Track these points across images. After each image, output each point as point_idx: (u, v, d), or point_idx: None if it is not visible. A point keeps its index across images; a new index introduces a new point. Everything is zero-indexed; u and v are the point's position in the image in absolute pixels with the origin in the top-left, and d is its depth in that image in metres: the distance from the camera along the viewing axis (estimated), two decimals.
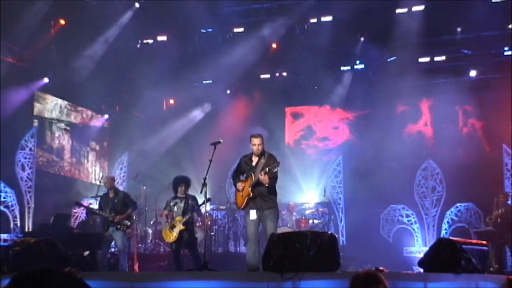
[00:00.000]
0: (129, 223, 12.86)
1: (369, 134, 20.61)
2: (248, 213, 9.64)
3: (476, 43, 18.71)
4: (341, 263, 7.58)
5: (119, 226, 12.45)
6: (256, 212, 9.55)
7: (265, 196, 9.56)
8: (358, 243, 17.58)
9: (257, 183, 9.50)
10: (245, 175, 9.78)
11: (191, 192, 12.44)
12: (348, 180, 19.07)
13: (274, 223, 9.51)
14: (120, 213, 12.55)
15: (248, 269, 9.33)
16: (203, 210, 11.96)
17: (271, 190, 9.62)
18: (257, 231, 9.60)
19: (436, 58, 19.47)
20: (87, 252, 12.56)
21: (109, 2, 18.30)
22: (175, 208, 12.02)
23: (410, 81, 19.25)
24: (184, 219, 11.79)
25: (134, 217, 14.31)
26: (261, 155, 9.75)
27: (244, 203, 9.64)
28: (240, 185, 9.68)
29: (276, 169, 9.43)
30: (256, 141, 9.75)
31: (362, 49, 19.51)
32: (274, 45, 19.94)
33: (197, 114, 21.69)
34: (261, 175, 9.37)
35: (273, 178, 9.51)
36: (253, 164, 9.74)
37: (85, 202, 17.64)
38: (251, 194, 9.52)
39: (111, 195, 12.85)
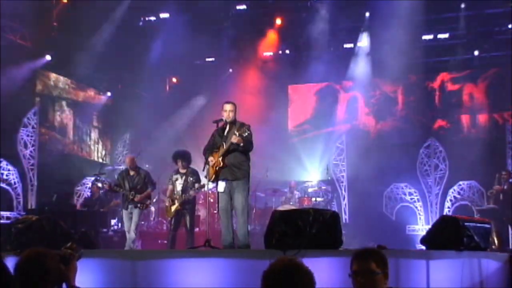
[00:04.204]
0: (148, 202, 12.90)
1: (373, 111, 20.64)
2: (217, 185, 9.38)
3: (479, 20, 18.64)
4: (344, 241, 7.57)
5: (139, 205, 12.41)
6: (226, 183, 9.29)
7: (235, 166, 9.26)
8: (361, 221, 17.60)
9: (228, 152, 9.25)
10: (216, 147, 9.49)
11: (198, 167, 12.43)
12: (351, 158, 19.02)
13: (242, 195, 9.22)
14: (140, 191, 12.47)
15: (223, 245, 9.19)
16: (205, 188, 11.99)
17: (242, 161, 9.33)
18: (228, 205, 9.34)
19: (440, 36, 19.41)
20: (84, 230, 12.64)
21: None
22: (177, 185, 12.06)
23: (413, 58, 19.22)
24: (182, 198, 11.83)
25: None
26: (232, 124, 9.48)
27: (214, 175, 9.34)
28: (211, 159, 9.34)
29: (246, 133, 9.09)
30: (228, 107, 9.48)
31: (365, 26, 19.44)
32: (277, 22, 19.90)
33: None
34: (234, 135, 9.07)
35: (247, 141, 9.20)
36: (225, 133, 9.48)
37: (88, 180, 17.73)
38: (222, 164, 9.23)
39: (131, 173, 12.71)
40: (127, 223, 12.48)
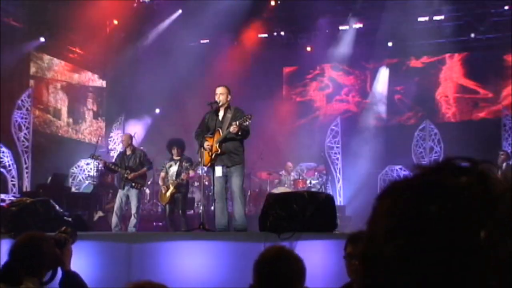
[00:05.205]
0: (144, 181, 12.95)
1: (366, 94, 20.69)
2: (214, 170, 9.44)
3: (475, 2, 18.59)
4: (338, 224, 7.59)
5: (133, 184, 12.38)
6: (222, 168, 9.33)
7: (232, 152, 9.30)
8: (355, 204, 17.63)
9: (225, 139, 9.28)
10: (210, 131, 9.49)
11: (189, 152, 12.52)
12: (346, 140, 19.02)
13: (239, 179, 9.30)
14: (136, 171, 12.47)
15: (218, 228, 9.19)
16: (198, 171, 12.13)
17: (239, 146, 9.39)
18: (224, 189, 9.42)
19: (435, 18, 19.34)
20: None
21: None
22: (170, 171, 12.24)
23: (408, 40, 19.20)
24: (176, 181, 11.99)
25: None
26: (226, 108, 9.53)
27: (209, 160, 9.40)
28: (207, 145, 9.36)
29: (247, 122, 9.15)
30: (218, 90, 9.54)
31: (361, 7, 19.39)
32: (271, 3, 19.82)
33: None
34: (234, 125, 9.06)
35: (244, 131, 9.24)
36: (220, 118, 9.50)
37: (82, 162, 17.71)
38: (219, 151, 9.27)
39: (128, 152, 12.78)
40: (119, 203, 12.40)
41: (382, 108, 20.90)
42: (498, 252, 0.78)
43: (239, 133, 9.19)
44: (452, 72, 20.28)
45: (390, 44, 19.79)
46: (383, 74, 20.78)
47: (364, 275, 0.90)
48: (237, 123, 9.07)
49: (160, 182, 12.64)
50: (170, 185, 12.10)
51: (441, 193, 0.84)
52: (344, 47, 20.20)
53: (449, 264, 0.78)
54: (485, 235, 0.79)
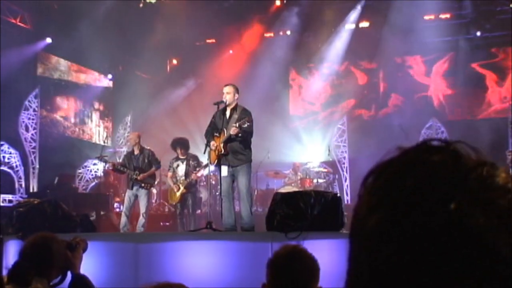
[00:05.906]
0: (153, 181, 12.90)
1: (372, 93, 20.64)
2: (220, 170, 9.48)
3: (481, 0, 18.55)
4: (346, 222, 7.58)
5: (143, 184, 12.31)
6: (228, 168, 9.36)
7: (238, 152, 9.34)
8: None
9: (229, 139, 9.31)
10: (218, 131, 9.52)
11: (195, 151, 12.55)
12: (352, 138, 19.00)
13: (246, 178, 9.33)
14: (144, 171, 12.38)
15: (225, 228, 9.21)
16: (206, 171, 12.16)
17: (245, 146, 9.40)
18: (230, 188, 9.46)
19: (442, 16, 19.31)
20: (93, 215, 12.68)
21: None
22: (178, 170, 12.25)
23: (414, 38, 19.17)
24: (186, 181, 12.02)
25: None
26: (233, 109, 9.57)
27: (216, 160, 9.45)
28: (213, 144, 9.41)
29: (246, 125, 9.16)
30: (225, 89, 9.60)
31: (366, 6, 19.36)
32: (277, 3, 19.83)
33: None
34: (234, 127, 9.14)
35: (245, 132, 9.26)
36: (227, 118, 9.54)
37: (89, 163, 17.76)
38: (223, 151, 9.31)
39: (135, 152, 12.63)
40: (127, 203, 12.36)
41: (386, 105, 20.88)
42: (466, 222, 0.83)
43: (240, 135, 9.23)
44: (457, 69, 20.19)
45: (395, 41, 19.75)
46: (384, 72, 20.75)
47: (349, 251, 0.96)
48: (237, 125, 9.14)
49: (169, 182, 12.62)
50: (181, 185, 12.13)
51: (416, 169, 0.90)
52: (349, 45, 20.18)
53: (422, 236, 0.83)
54: (455, 206, 0.83)
